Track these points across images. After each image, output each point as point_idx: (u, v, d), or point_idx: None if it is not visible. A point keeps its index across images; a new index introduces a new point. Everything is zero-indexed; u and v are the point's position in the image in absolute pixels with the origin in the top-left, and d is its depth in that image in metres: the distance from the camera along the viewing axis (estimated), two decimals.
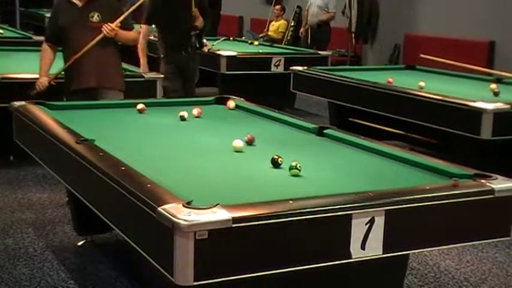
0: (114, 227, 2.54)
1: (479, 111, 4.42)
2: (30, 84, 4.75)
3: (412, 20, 9.64)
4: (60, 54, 4.65)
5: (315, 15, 9.54)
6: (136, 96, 4.46)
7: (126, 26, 4.58)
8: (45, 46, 4.63)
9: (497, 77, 6.07)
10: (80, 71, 4.46)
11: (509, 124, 4.48)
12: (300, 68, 6.28)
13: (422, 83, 5.37)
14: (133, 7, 4.85)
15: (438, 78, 6.17)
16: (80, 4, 4.49)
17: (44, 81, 4.55)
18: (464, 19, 8.89)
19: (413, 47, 9.17)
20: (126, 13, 4.62)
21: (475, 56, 8.15)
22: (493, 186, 2.47)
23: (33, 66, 5.57)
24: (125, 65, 5.80)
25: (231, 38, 9.07)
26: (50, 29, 4.65)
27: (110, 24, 4.43)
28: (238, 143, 3.06)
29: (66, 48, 4.55)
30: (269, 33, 10.61)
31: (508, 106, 4.48)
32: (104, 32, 4.42)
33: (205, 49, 6.30)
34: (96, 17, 4.47)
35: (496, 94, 5.08)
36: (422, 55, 6.46)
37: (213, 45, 7.20)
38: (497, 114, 4.40)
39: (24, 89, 4.81)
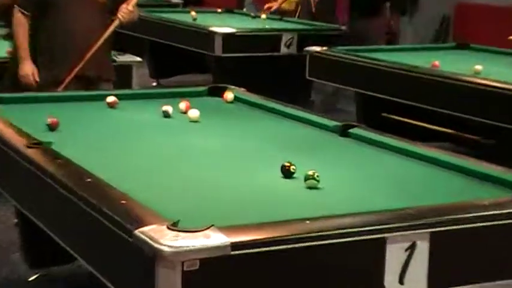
0: (77, 256, 2.55)
1: None
2: None
3: None
4: None
5: None
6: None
7: None
8: (19, 16, 4.64)
9: None
10: (73, 56, 4.53)
11: None
12: (317, 48, 6.30)
13: (478, 67, 5.39)
14: None
15: (499, 59, 6.19)
16: None
17: (31, 71, 4.57)
18: None
19: (467, 19, 9.19)
20: None
21: None
22: None
23: None
24: None
25: (219, 10, 9.11)
26: None
27: (126, 7, 4.57)
28: (194, 112, 3.61)
29: (51, 27, 4.60)
30: (283, 5, 10.56)
31: None
32: (120, 17, 4.55)
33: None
34: None
35: None
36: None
37: None
38: None
39: None
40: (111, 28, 4.59)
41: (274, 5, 8.80)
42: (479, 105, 4.92)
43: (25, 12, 4.62)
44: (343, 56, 6.08)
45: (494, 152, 4.93)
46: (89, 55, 4.51)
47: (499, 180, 2.74)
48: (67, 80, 4.52)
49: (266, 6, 8.87)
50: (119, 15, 4.57)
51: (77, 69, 4.52)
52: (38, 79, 4.57)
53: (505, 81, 4.85)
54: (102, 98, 3.95)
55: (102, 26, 4.60)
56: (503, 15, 9.04)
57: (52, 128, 3.33)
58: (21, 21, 4.64)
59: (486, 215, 2.37)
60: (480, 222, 2.36)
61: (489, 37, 7.94)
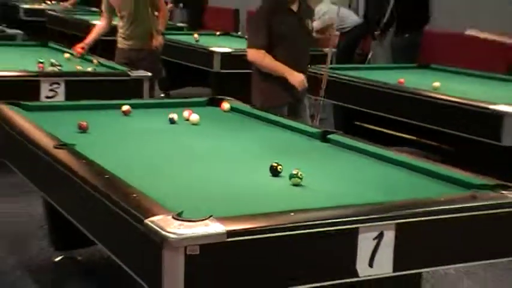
0: (96, 241, 2.55)
1: (501, 115, 4.44)
2: (4, 83, 4.76)
3: None
4: None
5: None
6: (122, 96, 4.48)
7: None
8: (255, 52, 4.64)
9: None
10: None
11: None
12: None
13: (437, 84, 5.39)
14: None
15: (455, 77, 6.19)
16: (295, 9, 4.68)
17: (303, 77, 4.64)
18: (484, 14, 8.91)
19: (427, 44, 9.17)
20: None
21: (496, 53, 8.17)
22: None
23: (5, 63, 5.60)
24: (108, 62, 5.87)
25: (218, 33, 9.10)
26: (265, 35, 4.58)
27: (336, 32, 4.90)
28: (195, 117, 3.70)
29: (280, 53, 4.60)
30: None
31: None
32: (334, 42, 4.88)
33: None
34: (310, 24, 4.80)
35: None
36: (468, 31, 6.47)
37: None
38: None
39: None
40: (330, 54, 4.99)
41: None
42: (438, 116, 4.93)
43: (259, 49, 4.62)
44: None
45: (453, 156, 4.93)
46: (325, 80, 4.93)
47: (455, 180, 2.74)
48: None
49: None
50: (332, 43, 4.91)
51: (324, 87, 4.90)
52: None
53: (459, 96, 4.87)
54: (118, 106, 3.94)
55: (309, 48, 4.86)
56: (458, 39, 9.06)
57: (83, 130, 3.37)
58: (261, 55, 4.61)
59: (443, 209, 2.38)
60: (438, 215, 2.36)
61: (448, 58, 7.96)
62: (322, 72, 4.95)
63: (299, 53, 4.68)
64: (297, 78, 4.56)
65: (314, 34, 4.91)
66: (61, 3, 12.77)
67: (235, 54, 7.20)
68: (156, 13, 6.13)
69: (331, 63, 5.48)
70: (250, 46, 4.69)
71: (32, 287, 3.53)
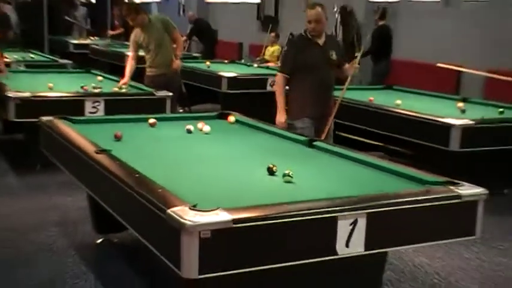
0: (128, 227, 2.53)
1: (449, 126, 4.44)
2: (57, 102, 4.74)
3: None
4: None
5: None
6: (149, 111, 4.46)
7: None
8: (280, 78, 4.45)
9: (463, 96, 6.09)
10: (315, 101, 4.41)
11: (474, 138, 4.51)
12: None
13: (398, 101, 5.38)
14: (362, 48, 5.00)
15: (413, 96, 6.18)
16: (321, 43, 4.45)
17: (284, 120, 4.39)
18: (435, 45, 8.93)
19: (391, 69, 9.19)
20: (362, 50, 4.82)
21: (444, 78, 8.18)
22: (460, 192, 2.48)
23: (58, 86, 5.59)
24: (137, 84, 5.86)
25: (226, 61, 9.09)
26: (290, 63, 4.41)
27: (353, 65, 4.52)
28: (207, 127, 3.69)
29: (303, 81, 4.42)
30: (265, 57, 10.63)
31: (473, 122, 4.52)
32: (353, 72, 4.52)
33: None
34: (334, 56, 4.49)
35: (463, 111, 5.12)
36: (439, 64, 6.50)
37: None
38: (465, 129, 4.43)
39: (51, 106, 4.83)
40: (348, 82, 4.58)
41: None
42: (399, 127, 4.92)
43: (286, 75, 4.44)
44: None
45: (412, 159, 4.91)
46: (338, 105, 4.47)
47: (414, 178, 2.73)
48: (326, 129, 4.42)
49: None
50: (351, 72, 4.55)
51: (331, 119, 4.45)
52: (286, 125, 4.35)
53: (416, 111, 4.86)
54: (146, 120, 3.92)
55: (333, 78, 4.54)
56: (414, 67, 9.08)
57: (118, 139, 3.36)
58: (279, 81, 4.45)
59: (404, 201, 2.37)
60: (400, 205, 2.35)
61: (407, 81, 7.97)
62: (337, 98, 4.78)
63: (323, 82, 4.44)
64: (278, 119, 4.39)
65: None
66: (108, 31, 12.77)
67: (240, 78, 7.21)
68: (174, 45, 6.12)
69: None
70: (278, 70, 4.60)
71: (78, 261, 3.51)
